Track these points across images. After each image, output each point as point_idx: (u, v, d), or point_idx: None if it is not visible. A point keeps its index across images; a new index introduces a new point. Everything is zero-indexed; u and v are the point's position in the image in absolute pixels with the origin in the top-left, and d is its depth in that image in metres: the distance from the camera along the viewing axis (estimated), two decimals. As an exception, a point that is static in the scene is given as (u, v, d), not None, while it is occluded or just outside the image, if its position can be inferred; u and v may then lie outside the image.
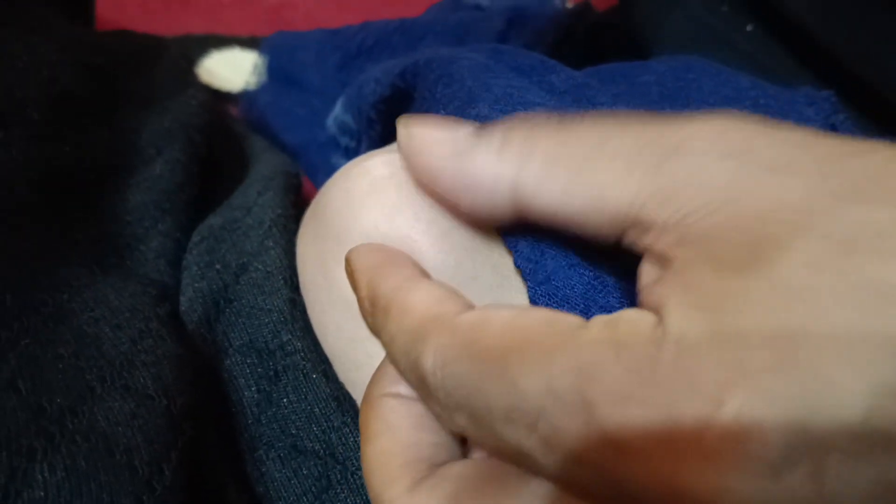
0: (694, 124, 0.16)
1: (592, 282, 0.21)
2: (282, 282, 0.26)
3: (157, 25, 0.50)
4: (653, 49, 0.41)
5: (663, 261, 0.15)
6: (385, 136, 0.32)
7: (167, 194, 0.30)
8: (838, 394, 0.12)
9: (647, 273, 0.16)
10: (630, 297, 0.21)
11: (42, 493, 0.19)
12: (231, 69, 0.49)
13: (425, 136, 0.19)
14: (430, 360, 0.16)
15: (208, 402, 0.25)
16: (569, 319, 0.15)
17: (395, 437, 0.19)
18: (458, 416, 0.16)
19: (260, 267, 0.27)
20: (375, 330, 0.19)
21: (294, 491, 0.23)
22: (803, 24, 0.32)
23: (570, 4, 0.55)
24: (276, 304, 0.26)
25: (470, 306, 0.18)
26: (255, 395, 0.25)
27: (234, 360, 0.25)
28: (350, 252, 0.21)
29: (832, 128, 0.24)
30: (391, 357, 0.19)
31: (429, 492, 0.17)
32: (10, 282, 0.22)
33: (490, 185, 0.18)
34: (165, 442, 0.22)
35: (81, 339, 0.23)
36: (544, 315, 0.16)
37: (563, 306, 0.20)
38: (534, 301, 0.21)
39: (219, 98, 0.47)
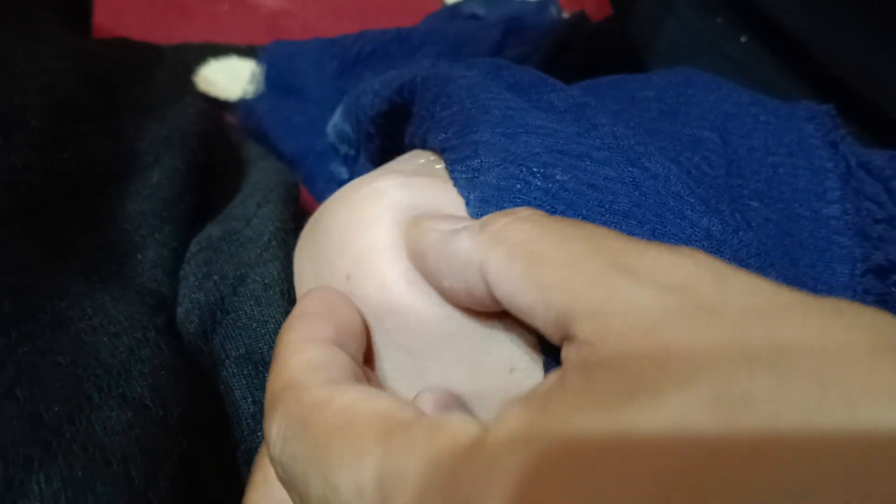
0: (652, 251, 0.15)
1: None
2: (279, 294, 0.26)
3: (155, 34, 0.50)
4: (648, 59, 0.42)
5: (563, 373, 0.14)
6: (384, 148, 0.32)
7: (165, 203, 0.30)
8: None
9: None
10: None
11: (38, 504, 0.19)
12: (229, 78, 0.49)
13: (426, 224, 0.20)
14: (274, 430, 0.16)
15: (204, 413, 0.25)
16: (408, 413, 0.15)
17: (270, 492, 0.19)
18: (292, 493, 0.16)
19: (258, 279, 0.26)
20: None
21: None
22: (797, 36, 0.32)
23: (566, 14, 0.55)
24: (273, 315, 0.26)
25: (338, 382, 0.17)
26: (251, 407, 0.25)
27: (230, 371, 0.25)
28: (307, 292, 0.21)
29: (832, 145, 0.24)
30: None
31: None
32: (10, 288, 0.22)
33: (462, 267, 0.18)
34: (162, 453, 0.22)
35: (79, 347, 0.23)
36: (384, 405, 0.15)
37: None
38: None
39: (216, 106, 0.47)
